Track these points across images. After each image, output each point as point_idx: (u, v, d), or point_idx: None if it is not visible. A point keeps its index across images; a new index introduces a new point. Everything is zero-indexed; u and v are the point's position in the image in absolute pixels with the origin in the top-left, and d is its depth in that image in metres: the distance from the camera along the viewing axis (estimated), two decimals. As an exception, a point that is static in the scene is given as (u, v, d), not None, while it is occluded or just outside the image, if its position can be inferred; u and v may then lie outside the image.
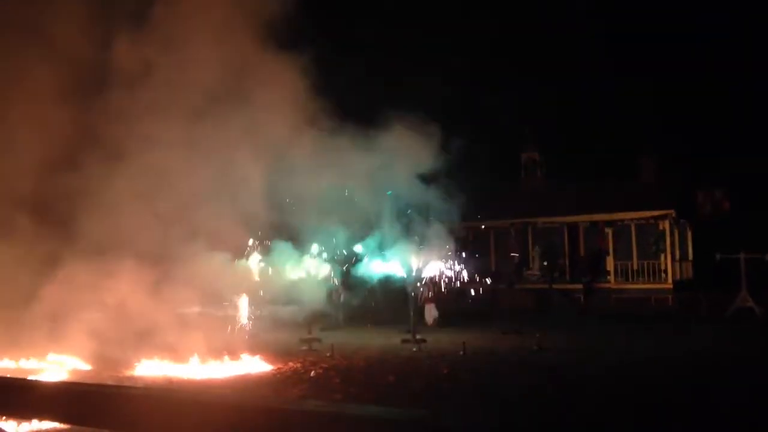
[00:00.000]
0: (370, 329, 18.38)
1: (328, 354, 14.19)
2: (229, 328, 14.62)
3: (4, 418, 5.16)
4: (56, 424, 6.27)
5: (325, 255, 16.89)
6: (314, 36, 14.22)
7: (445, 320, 18.84)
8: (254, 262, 16.28)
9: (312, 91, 13.93)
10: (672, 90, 30.71)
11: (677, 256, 25.25)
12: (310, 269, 17.13)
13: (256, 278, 16.60)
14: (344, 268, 17.05)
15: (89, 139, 12.38)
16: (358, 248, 16.39)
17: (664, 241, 24.76)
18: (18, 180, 12.15)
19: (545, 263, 25.25)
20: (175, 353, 12.87)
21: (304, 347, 15.24)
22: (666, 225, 24.84)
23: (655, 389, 10.28)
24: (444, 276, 16.67)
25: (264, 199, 13.69)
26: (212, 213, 13.36)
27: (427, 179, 15.87)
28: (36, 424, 7.16)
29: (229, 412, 2.48)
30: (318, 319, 16.64)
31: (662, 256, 24.61)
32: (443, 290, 16.93)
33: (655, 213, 24.62)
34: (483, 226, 25.70)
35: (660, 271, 24.52)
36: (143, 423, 2.77)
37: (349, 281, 17.24)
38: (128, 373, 12.25)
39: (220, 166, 13.31)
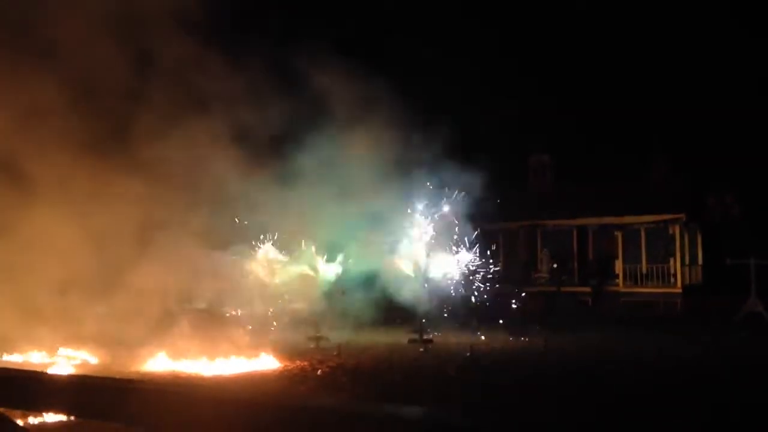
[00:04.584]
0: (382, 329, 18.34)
1: (335, 353, 14.20)
2: (237, 325, 14.66)
3: (15, 410, 5.17)
4: (66, 417, 6.29)
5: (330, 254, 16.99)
6: (306, 35, 14.31)
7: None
8: (264, 259, 16.36)
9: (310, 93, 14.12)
10: (683, 92, 30.57)
11: (687, 261, 25.13)
12: (318, 268, 17.21)
13: (265, 276, 16.70)
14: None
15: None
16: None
17: (674, 245, 24.65)
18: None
19: (554, 266, 25.19)
20: (183, 350, 12.92)
21: (312, 345, 15.26)
22: (676, 229, 24.73)
23: (662, 392, 10.24)
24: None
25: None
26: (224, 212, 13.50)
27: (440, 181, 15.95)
28: (47, 416, 7.19)
29: (240, 407, 2.48)
30: (325, 318, 16.66)
31: (671, 260, 24.50)
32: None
33: (665, 217, 24.51)
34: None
35: (669, 274, 24.42)
36: (153, 417, 2.78)
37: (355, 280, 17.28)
38: (136, 368, 12.28)
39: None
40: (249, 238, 17.04)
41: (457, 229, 17.17)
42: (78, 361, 12.91)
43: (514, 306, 19.96)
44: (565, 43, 33.40)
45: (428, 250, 16.85)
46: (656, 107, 30.81)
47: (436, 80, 25.62)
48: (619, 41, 32.92)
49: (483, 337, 16.40)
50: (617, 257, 25.32)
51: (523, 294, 21.47)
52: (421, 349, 14.94)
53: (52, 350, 13.06)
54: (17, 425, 4.74)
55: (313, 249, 17.28)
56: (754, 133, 28.13)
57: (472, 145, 17.19)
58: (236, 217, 15.63)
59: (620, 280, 25.04)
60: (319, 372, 12.20)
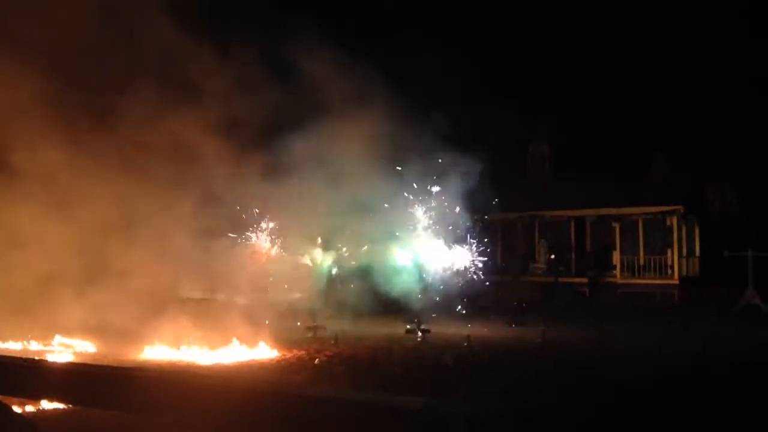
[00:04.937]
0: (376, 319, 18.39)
1: (332, 342, 14.23)
2: (235, 314, 14.67)
3: (12, 398, 5.17)
4: (65, 405, 6.30)
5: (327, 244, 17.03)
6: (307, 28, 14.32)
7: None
8: (261, 249, 16.38)
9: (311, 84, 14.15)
10: (683, 85, 30.54)
11: (684, 252, 25.18)
12: (315, 258, 17.24)
13: (262, 266, 16.72)
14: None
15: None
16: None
17: (672, 237, 24.69)
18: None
19: (551, 256, 25.24)
20: (181, 338, 12.93)
21: (309, 335, 15.27)
22: (674, 221, 24.77)
23: (661, 387, 10.27)
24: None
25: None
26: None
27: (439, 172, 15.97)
28: (45, 404, 7.20)
29: (240, 395, 2.48)
30: (322, 307, 16.69)
31: (669, 252, 24.55)
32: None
33: (663, 208, 24.55)
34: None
35: (666, 266, 24.48)
36: (151, 405, 2.78)
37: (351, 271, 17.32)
38: (134, 357, 12.29)
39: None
40: (247, 227, 17.08)
41: (454, 219, 17.19)
42: (76, 350, 12.92)
43: (511, 296, 20.00)
44: (566, 36, 33.31)
45: (426, 240, 16.87)
46: (656, 99, 30.80)
47: (435, 71, 25.56)
48: (619, 33, 32.84)
49: (481, 328, 16.44)
50: (615, 248, 25.37)
51: (521, 284, 21.54)
52: (419, 339, 14.97)
53: (50, 338, 13.06)
54: (15, 413, 4.74)
55: (311, 238, 17.31)
56: (753, 126, 28.14)
57: (472, 136, 17.18)
58: (233, 205, 15.65)
59: (617, 272, 25.10)
60: (316, 361, 12.22)
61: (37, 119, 11.95)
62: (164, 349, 12.79)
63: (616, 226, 25.44)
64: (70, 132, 12.09)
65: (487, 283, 18.88)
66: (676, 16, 32.55)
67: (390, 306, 17.86)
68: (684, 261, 25.05)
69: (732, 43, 30.89)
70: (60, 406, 6.78)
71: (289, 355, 12.92)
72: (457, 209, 17.03)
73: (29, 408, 7.28)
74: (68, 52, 11.89)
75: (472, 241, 17.41)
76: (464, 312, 17.49)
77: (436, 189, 17.04)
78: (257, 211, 16.32)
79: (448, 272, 17.13)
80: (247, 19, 14.55)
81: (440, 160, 16.36)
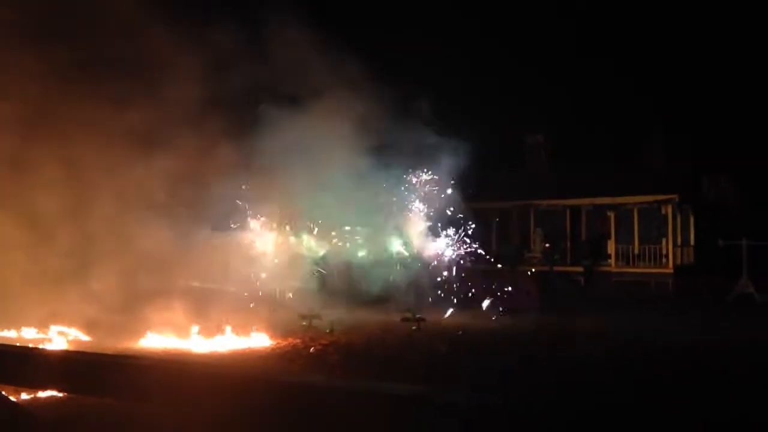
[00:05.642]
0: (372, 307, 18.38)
1: (327, 331, 14.24)
2: (229, 302, 14.67)
3: (7, 386, 5.15)
4: (59, 393, 6.29)
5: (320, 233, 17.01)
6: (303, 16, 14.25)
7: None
8: (256, 237, 16.34)
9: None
10: (681, 74, 30.54)
11: (679, 241, 25.24)
12: (310, 246, 17.21)
13: (257, 254, 16.70)
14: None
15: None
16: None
17: (666, 226, 24.73)
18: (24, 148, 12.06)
19: (547, 245, 25.28)
20: (175, 327, 12.93)
21: (304, 323, 15.27)
22: (669, 210, 24.80)
23: (649, 370, 10.32)
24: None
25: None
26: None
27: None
28: (39, 392, 7.19)
29: (235, 383, 2.48)
30: (317, 296, 16.67)
31: (664, 241, 24.60)
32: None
33: (659, 197, 24.57)
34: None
35: (661, 255, 24.53)
36: (149, 393, 2.77)
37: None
38: (128, 345, 12.28)
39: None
40: (241, 216, 17.04)
41: (450, 207, 17.18)
42: (70, 338, 12.90)
43: (506, 285, 20.02)
44: (564, 26, 33.24)
45: (420, 228, 16.87)
46: (652, 88, 30.81)
47: (434, 61, 25.51)
48: (617, 23, 32.81)
49: (476, 317, 16.47)
50: (610, 237, 25.41)
51: (516, 273, 21.55)
52: (414, 328, 14.99)
53: (45, 327, 13.04)
54: (10, 401, 4.73)
55: (305, 227, 17.29)
56: (748, 116, 28.19)
57: (468, 125, 17.14)
58: (227, 194, 15.60)
59: (612, 261, 25.15)
60: (311, 350, 12.24)
61: (28, 115, 11.86)
62: (159, 337, 12.79)
63: (611, 215, 25.46)
64: (75, 117, 12.00)
65: (483, 272, 18.92)
66: (674, 6, 32.50)
67: (385, 295, 17.88)
68: (678, 250, 25.10)
69: (731, 34, 30.87)
70: (56, 394, 6.77)
71: (284, 343, 12.94)
72: (452, 197, 17.02)
73: (24, 396, 7.27)
74: (34, 30, 11.71)
75: (466, 229, 17.41)
76: (460, 301, 17.49)
77: (430, 178, 17.02)
78: (242, 203, 16.27)
79: (443, 261, 17.14)
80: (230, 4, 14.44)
81: (436, 148, 16.34)
